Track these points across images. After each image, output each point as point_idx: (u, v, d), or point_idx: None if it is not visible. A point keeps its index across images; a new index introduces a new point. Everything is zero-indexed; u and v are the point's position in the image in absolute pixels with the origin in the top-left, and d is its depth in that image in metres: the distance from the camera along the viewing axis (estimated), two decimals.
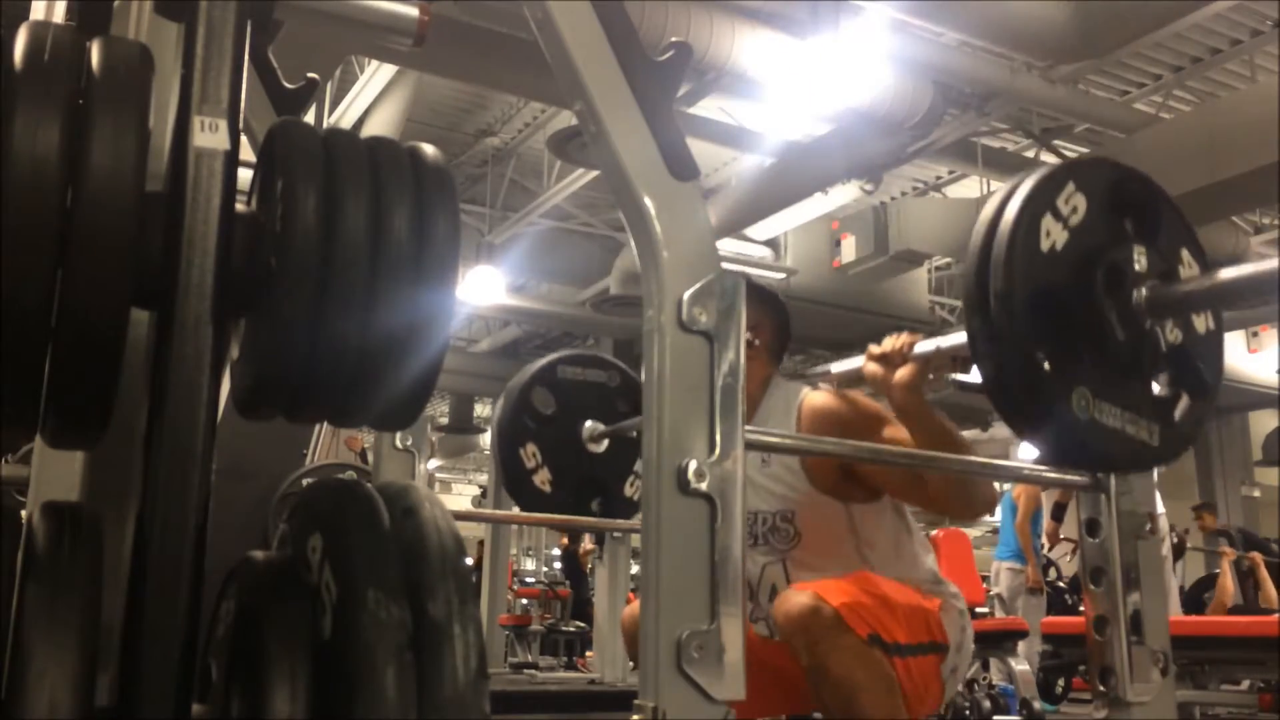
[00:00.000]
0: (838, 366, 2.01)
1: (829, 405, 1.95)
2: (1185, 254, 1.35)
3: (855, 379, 1.90)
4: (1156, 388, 1.32)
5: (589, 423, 2.36)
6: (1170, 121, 6.63)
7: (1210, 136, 5.84)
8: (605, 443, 2.38)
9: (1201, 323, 1.36)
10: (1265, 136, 5.38)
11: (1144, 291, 1.26)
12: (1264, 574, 6.32)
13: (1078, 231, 1.25)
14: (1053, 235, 1.24)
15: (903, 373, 1.74)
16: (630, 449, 2.40)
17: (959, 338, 1.49)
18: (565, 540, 10.71)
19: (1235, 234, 7.65)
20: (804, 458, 1.92)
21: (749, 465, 1.94)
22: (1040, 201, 1.24)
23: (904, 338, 1.77)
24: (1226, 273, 1.24)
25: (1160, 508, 4.39)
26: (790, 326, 2.15)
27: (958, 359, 1.66)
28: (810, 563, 1.93)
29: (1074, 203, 1.26)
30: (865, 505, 1.94)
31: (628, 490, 2.45)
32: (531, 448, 2.35)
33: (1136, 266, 1.27)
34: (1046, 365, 1.21)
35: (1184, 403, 1.32)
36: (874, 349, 1.80)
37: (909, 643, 1.79)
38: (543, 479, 2.35)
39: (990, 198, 1.31)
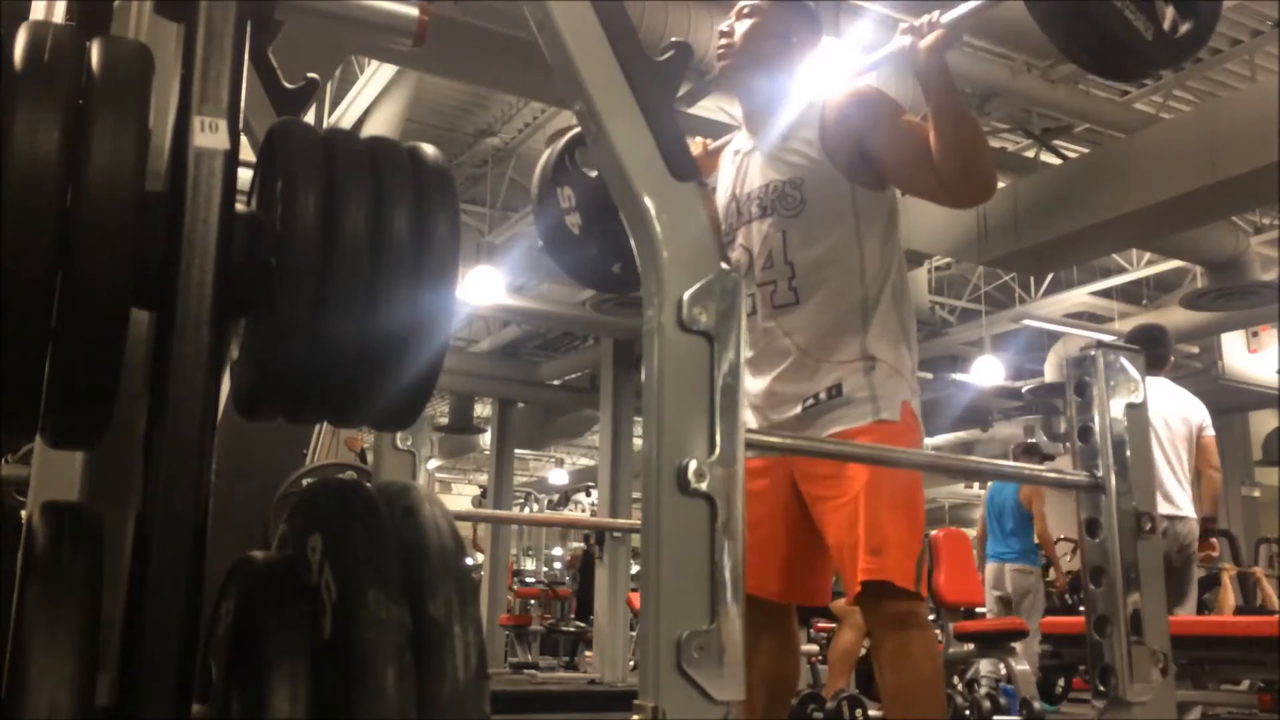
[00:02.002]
0: (868, 57, 2.21)
1: (854, 89, 2.12)
2: None
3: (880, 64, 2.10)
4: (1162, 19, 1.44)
5: None
6: (1170, 121, 6.63)
7: (1210, 136, 5.84)
8: None
9: None
10: (1265, 136, 5.38)
11: None
12: (1267, 588, 6.32)
13: None
14: None
15: (931, 37, 1.89)
16: None
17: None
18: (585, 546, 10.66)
19: (1235, 234, 7.66)
20: (824, 129, 2.05)
21: (769, 144, 2.09)
22: None
23: (934, 12, 1.91)
24: None
25: (1192, 510, 4.38)
26: (822, 30, 2.30)
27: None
28: (809, 234, 2.03)
29: None
30: (870, 191, 2.05)
31: None
32: (568, 190, 2.34)
33: None
34: None
35: (1184, 28, 1.44)
36: (904, 25, 1.95)
37: (921, 506, 1.98)
38: (573, 222, 2.34)
39: None
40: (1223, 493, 10.99)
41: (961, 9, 1.90)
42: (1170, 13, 1.43)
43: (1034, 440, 9.83)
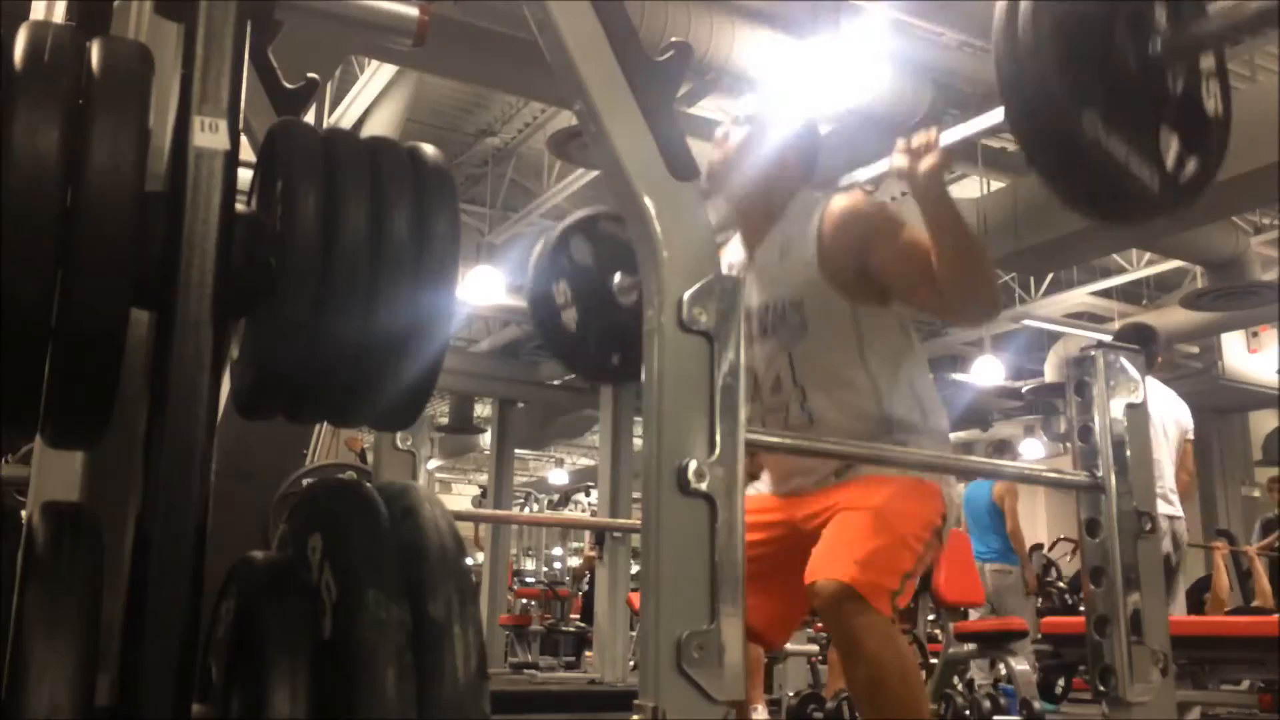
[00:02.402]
0: (864, 172, 2.11)
1: (853, 204, 2.03)
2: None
3: (877, 185, 1.97)
4: (1163, 137, 1.38)
5: (620, 274, 2.37)
6: None
7: None
8: (634, 296, 2.38)
9: (1212, 102, 1.42)
10: (1265, 136, 5.38)
11: (1160, 39, 1.33)
12: (1259, 570, 6.32)
13: None
14: None
15: (929, 160, 1.83)
16: None
17: (983, 118, 1.63)
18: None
19: (1235, 234, 7.65)
20: (820, 247, 2.00)
21: (768, 261, 2.04)
22: None
23: (932, 131, 1.85)
24: (1237, 7, 1.35)
25: (1180, 511, 4.40)
26: (819, 145, 2.24)
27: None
28: (815, 358, 1.99)
29: None
30: (872, 309, 2.01)
31: None
32: (564, 285, 2.34)
33: (1157, 19, 1.35)
34: (1062, 78, 1.29)
35: (1189, 167, 1.38)
36: (903, 142, 1.89)
37: (920, 554, 1.88)
38: (570, 317, 2.34)
39: None
40: (1222, 493, 10.96)
41: (959, 131, 1.83)
42: (1175, 146, 1.37)
43: (1005, 438, 9.85)
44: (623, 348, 2.37)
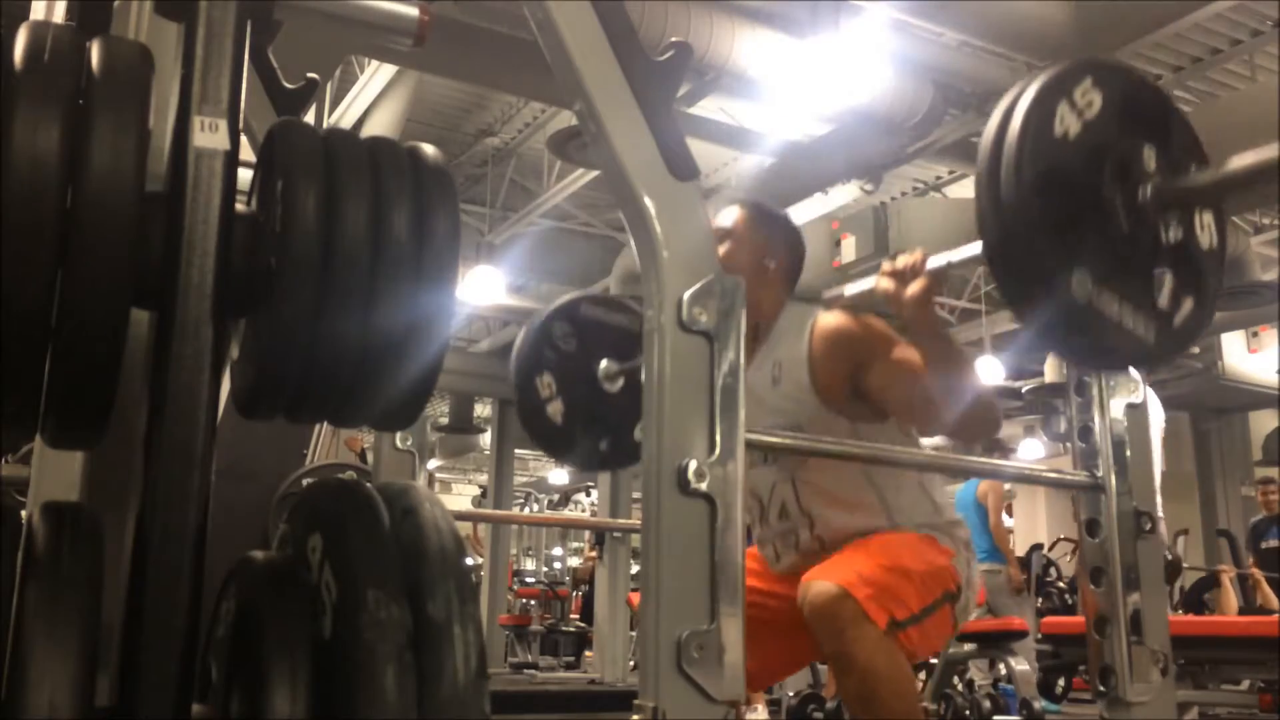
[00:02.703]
0: (851, 288, 2.05)
1: (841, 325, 1.98)
2: (1193, 168, 1.36)
3: (867, 301, 1.93)
4: (1156, 287, 1.33)
5: (605, 361, 2.35)
6: None
7: (1210, 136, 5.82)
8: (620, 383, 2.36)
9: (1206, 237, 1.37)
10: (1265, 136, 5.37)
11: (1150, 188, 1.28)
12: (1266, 589, 6.30)
13: (1091, 124, 1.27)
14: (1066, 122, 1.26)
15: (915, 287, 1.76)
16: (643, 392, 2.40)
17: (971, 249, 1.50)
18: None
19: (1235, 234, 7.65)
20: (814, 375, 1.96)
21: (761, 386, 1.98)
22: (1057, 90, 1.27)
23: (917, 254, 1.79)
24: (1234, 161, 1.28)
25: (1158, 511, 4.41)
26: (804, 250, 2.19)
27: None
28: (818, 482, 1.96)
29: (1090, 97, 1.28)
30: (872, 425, 1.97)
31: (637, 434, 2.43)
32: (548, 378, 2.33)
33: (1146, 164, 1.30)
34: (1049, 241, 1.23)
35: (1185, 308, 1.33)
36: (887, 265, 1.82)
37: (926, 605, 1.83)
38: (555, 410, 2.33)
39: (1010, 90, 1.34)
40: (1222, 493, 10.95)
41: (943, 258, 1.74)
42: (1169, 289, 1.31)
43: (998, 437, 9.86)
44: (611, 434, 2.36)
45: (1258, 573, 6.41)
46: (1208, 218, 1.38)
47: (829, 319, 2.00)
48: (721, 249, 1.99)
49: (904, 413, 1.95)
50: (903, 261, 1.78)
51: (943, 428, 1.90)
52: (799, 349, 1.97)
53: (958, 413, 1.82)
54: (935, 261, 1.75)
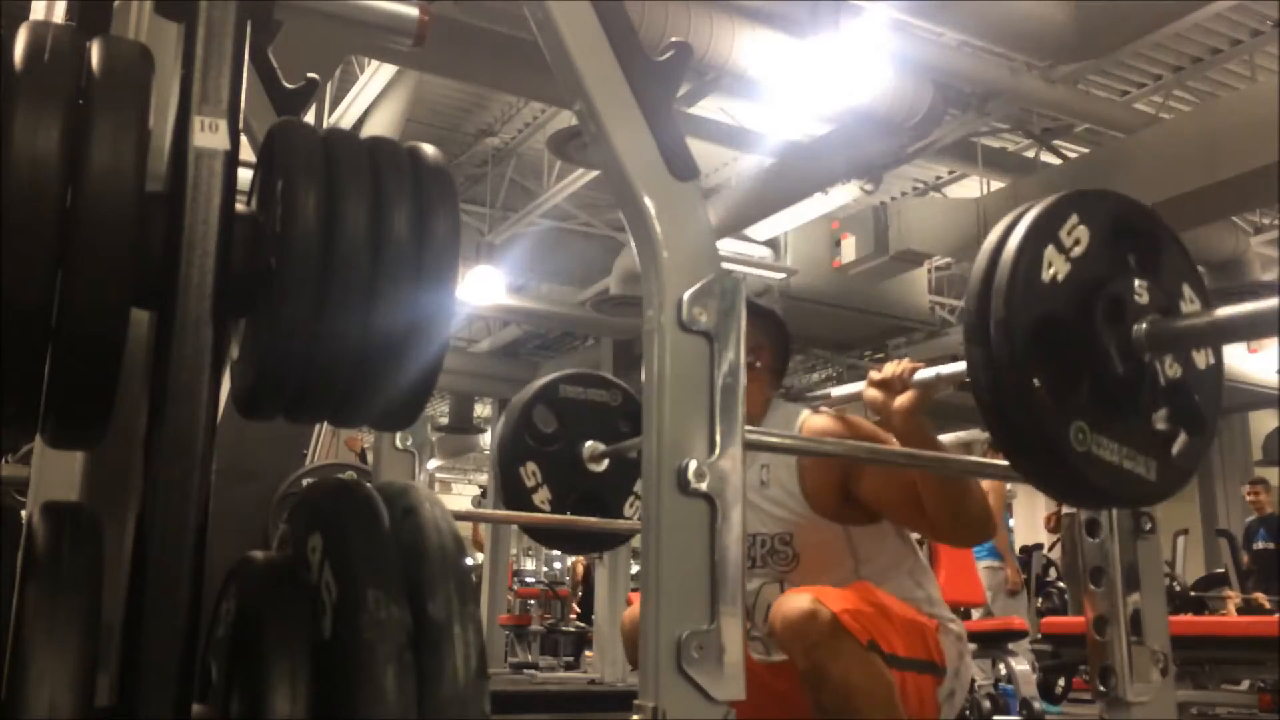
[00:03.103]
0: (838, 391, 2.02)
1: (828, 428, 1.95)
2: (1187, 289, 1.33)
3: (855, 403, 1.91)
4: (1155, 423, 1.30)
5: (589, 442, 2.35)
6: (1170, 121, 6.62)
7: (1210, 136, 5.84)
8: (606, 462, 2.37)
9: (1202, 358, 1.34)
10: (1265, 136, 5.37)
11: (1144, 325, 1.25)
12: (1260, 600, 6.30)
13: (1079, 262, 1.24)
14: (1054, 266, 1.23)
15: (903, 399, 1.74)
16: (631, 469, 2.39)
17: (960, 366, 1.48)
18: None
19: (1235, 234, 7.65)
20: (803, 482, 1.93)
21: (747, 488, 1.94)
22: (1043, 232, 1.24)
23: (905, 364, 1.76)
24: (1225, 311, 1.23)
25: None
26: (790, 346, 2.16)
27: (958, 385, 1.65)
28: (808, 582, 1.91)
29: (1076, 234, 1.25)
30: (864, 528, 1.94)
31: (628, 511, 2.43)
32: (531, 466, 2.32)
33: (1137, 299, 1.26)
34: (1045, 396, 1.20)
35: (1182, 439, 1.30)
36: (874, 374, 1.79)
37: (907, 656, 1.78)
38: (542, 498, 2.33)
39: (993, 230, 1.30)
40: (1222, 493, 10.94)
41: (932, 371, 1.70)
42: (1166, 423, 1.28)
43: None
44: (601, 512, 2.37)
45: (1260, 598, 6.39)
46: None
47: (817, 421, 1.97)
48: None
49: (897, 518, 1.92)
50: (890, 370, 1.76)
51: (937, 531, 1.87)
52: (787, 457, 1.94)
53: (952, 516, 1.79)
54: (924, 374, 1.73)
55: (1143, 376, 1.26)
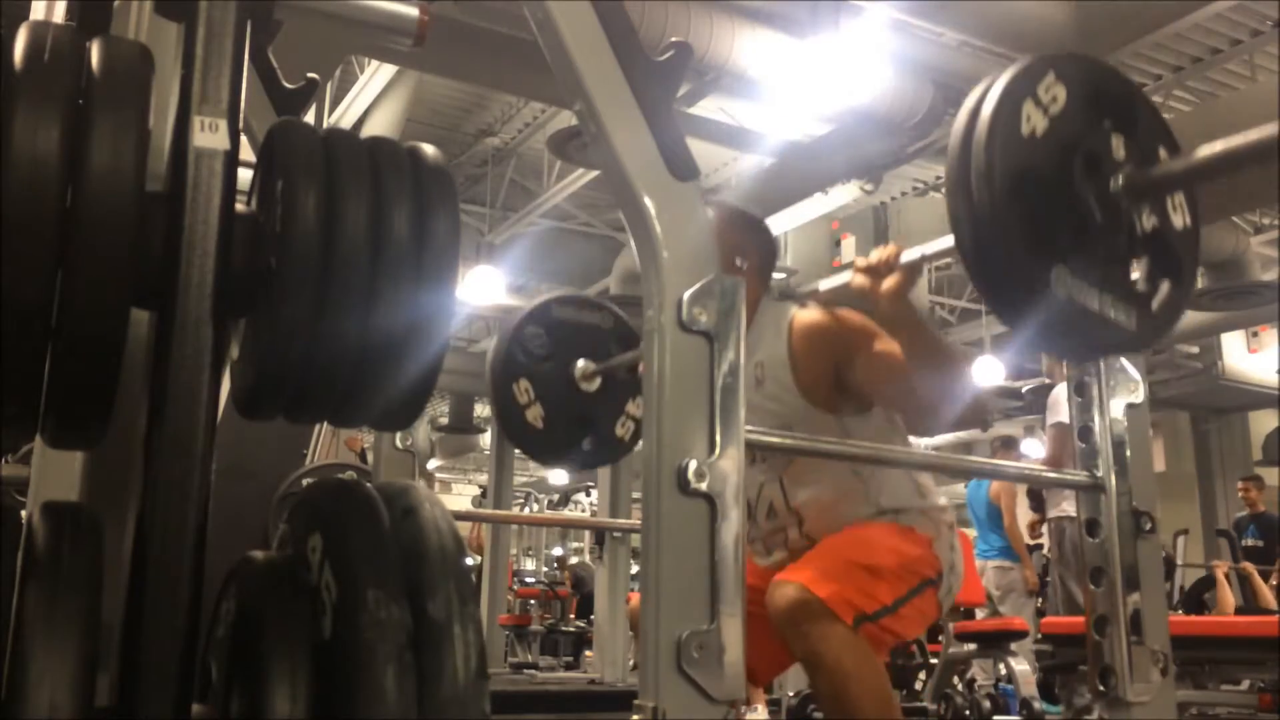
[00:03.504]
0: (825, 283, 2.03)
1: (818, 321, 1.97)
2: (1162, 151, 1.36)
3: (843, 295, 1.92)
4: (1134, 273, 1.33)
5: (581, 361, 2.35)
6: (1170, 121, 6.61)
7: (1210, 136, 5.82)
8: (598, 382, 2.37)
9: (1179, 218, 1.38)
10: None
11: (1121, 177, 1.28)
12: (1258, 582, 6.31)
13: (1057, 119, 1.27)
14: (1033, 120, 1.25)
15: (890, 282, 1.75)
16: (622, 389, 2.40)
17: (944, 242, 1.51)
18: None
19: (1235, 234, 7.65)
20: (796, 374, 1.95)
21: (744, 388, 1.98)
22: (1021, 88, 1.26)
23: (890, 248, 1.78)
24: (1203, 150, 1.27)
25: None
26: (775, 247, 2.19)
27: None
28: (805, 478, 1.96)
29: (1054, 92, 1.27)
30: (857, 416, 1.97)
31: (619, 430, 2.43)
32: (524, 384, 2.33)
33: (1115, 154, 1.30)
34: (1027, 241, 1.23)
35: (1163, 290, 1.33)
36: (861, 261, 1.81)
37: (900, 596, 1.83)
38: (535, 415, 2.33)
39: (972, 91, 1.32)
40: (1222, 493, 10.93)
41: (917, 251, 1.72)
42: (1146, 273, 1.32)
43: (1011, 434, 9.87)
44: (593, 433, 2.37)
45: (1249, 566, 6.43)
46: (1180, 199, 1.39)
47: (806, 316, 1.99)
48: None
49: (890, 404, 1.95)
50: (877, 256, 1.78)
51: (930, 417, 1.89)
52: (779, 349, 1.97)
53: (944, 402, 1.81)
54: (910, 255, 1.74)
55: (1122, 226, 1.29)
